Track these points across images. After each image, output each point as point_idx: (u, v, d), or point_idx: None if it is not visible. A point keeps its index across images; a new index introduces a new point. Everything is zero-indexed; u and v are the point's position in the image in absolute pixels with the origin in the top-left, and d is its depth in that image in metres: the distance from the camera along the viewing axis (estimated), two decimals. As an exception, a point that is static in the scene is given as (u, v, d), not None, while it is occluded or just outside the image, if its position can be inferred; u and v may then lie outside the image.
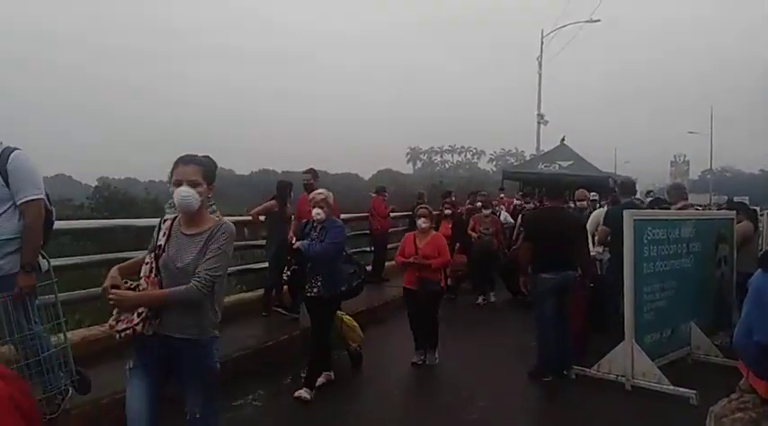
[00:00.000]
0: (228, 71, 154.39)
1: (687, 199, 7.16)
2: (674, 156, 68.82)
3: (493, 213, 9.84)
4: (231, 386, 4.67)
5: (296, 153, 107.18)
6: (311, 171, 7.78)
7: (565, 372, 5.33)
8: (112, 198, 34.85)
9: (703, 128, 57.42)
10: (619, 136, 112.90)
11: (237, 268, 7.73)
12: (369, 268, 9.68)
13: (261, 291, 7.21)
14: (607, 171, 21.29)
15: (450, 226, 8.93)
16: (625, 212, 5.11)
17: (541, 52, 25.87)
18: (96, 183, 42.69)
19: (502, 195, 14.29)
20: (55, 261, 3.95)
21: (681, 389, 4.76)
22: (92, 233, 7.54)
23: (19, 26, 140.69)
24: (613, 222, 6.13)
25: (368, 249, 10.33)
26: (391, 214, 10.77)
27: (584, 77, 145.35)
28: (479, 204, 10.91)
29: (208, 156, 2.94)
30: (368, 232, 10.38)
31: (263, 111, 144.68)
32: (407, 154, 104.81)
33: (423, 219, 5.78)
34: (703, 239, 6.03)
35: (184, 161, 2.74)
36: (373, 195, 11.16)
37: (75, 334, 5.03)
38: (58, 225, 4.07)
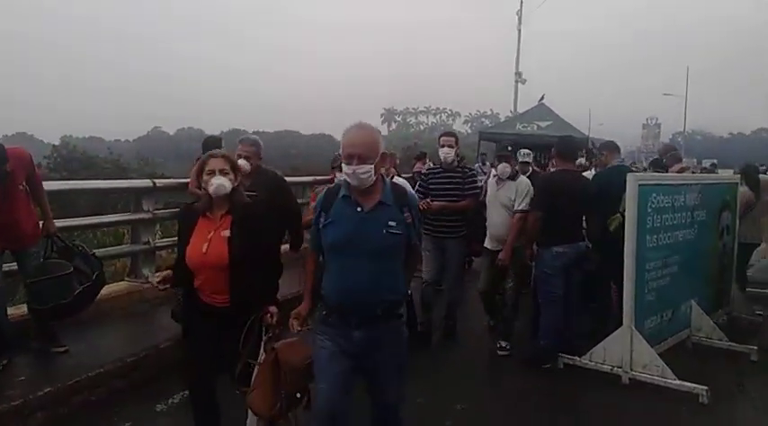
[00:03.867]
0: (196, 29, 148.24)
1: (682, 160, 6.44)
2: (647, 119, 68.88)
3: None
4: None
5: (267, 113, 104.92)
6: None
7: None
8: (71, 157, 33.18)
9: (676, 89, 57.02)
10: (593, 97, 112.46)
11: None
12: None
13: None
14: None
15: None
16: (629, 176, 4.30)
17: (521, 5, 24.77)
18: (58, 142, 40.60)
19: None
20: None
21: (688, 384, 4.06)
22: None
23: None
24: (602, 188, 5.34)
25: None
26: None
27: (561, 37, 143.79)
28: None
29: None
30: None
31: (231, 68, 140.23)
32: (382, 115, 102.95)
33: None
34: (708, 206, 5.29)
35: None
36: (337, 155, 10.19)
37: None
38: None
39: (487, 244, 5.03)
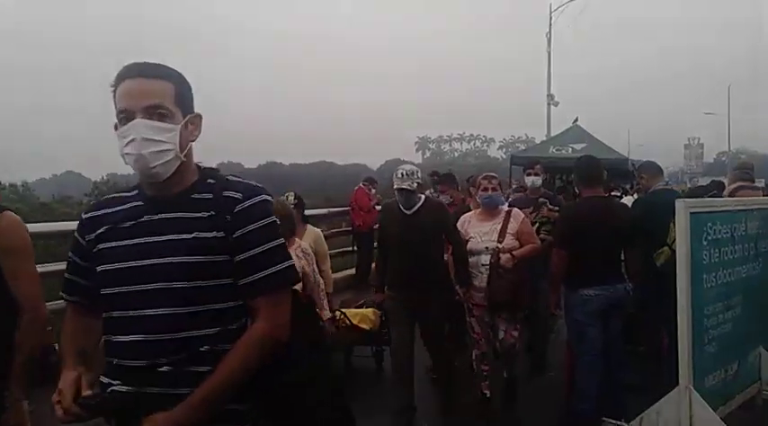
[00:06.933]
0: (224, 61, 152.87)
1: (752, 180, 5.56)
2: (688, 139, 66.92)
3: None
4: None
5: (303, 145, 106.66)
6: None
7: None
8: (112, 193, 33.91)
9: (717, 109, 54.96)
10: (632, 119, 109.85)
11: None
12: (353, 271, 8.31)
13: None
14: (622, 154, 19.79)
15: None
16: (678, 203, 3.56)
17: (550, 27, 24.17)
18: (104, 178, 41.60)
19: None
20: (40, 268, 2.96)
21: (765, 460, 3.27)
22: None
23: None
24: (645, 215, 4.60)
25: (350, 248, 8.87)
26: (377, 207, 9.30)
27: (596, 57, 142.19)
28: None
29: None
30: (350, 229, 8.91)
31: (267, 102, 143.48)
32: (416, 143, 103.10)
33: None
34: (772, 234, 4.50)
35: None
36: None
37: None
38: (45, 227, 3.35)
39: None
